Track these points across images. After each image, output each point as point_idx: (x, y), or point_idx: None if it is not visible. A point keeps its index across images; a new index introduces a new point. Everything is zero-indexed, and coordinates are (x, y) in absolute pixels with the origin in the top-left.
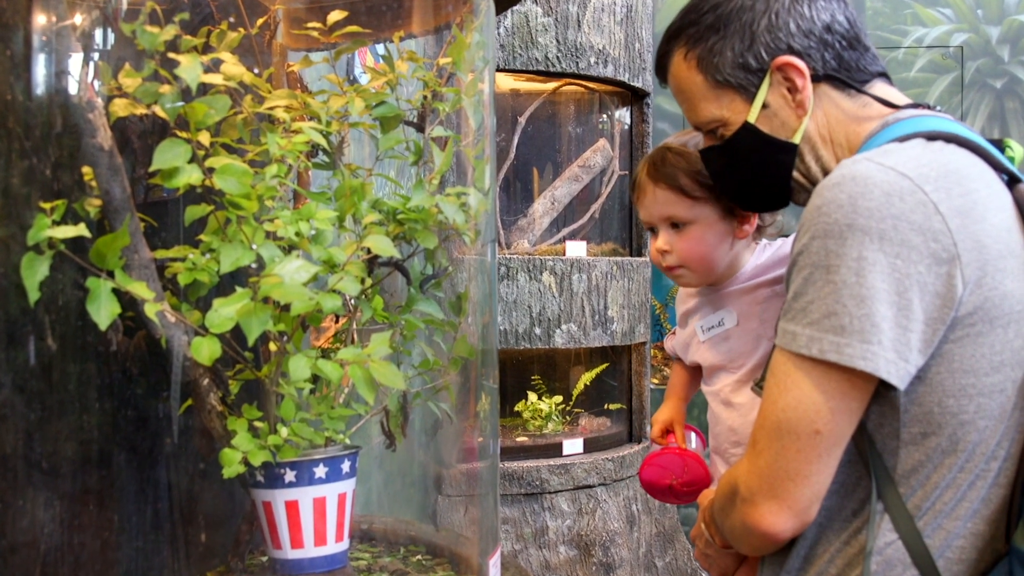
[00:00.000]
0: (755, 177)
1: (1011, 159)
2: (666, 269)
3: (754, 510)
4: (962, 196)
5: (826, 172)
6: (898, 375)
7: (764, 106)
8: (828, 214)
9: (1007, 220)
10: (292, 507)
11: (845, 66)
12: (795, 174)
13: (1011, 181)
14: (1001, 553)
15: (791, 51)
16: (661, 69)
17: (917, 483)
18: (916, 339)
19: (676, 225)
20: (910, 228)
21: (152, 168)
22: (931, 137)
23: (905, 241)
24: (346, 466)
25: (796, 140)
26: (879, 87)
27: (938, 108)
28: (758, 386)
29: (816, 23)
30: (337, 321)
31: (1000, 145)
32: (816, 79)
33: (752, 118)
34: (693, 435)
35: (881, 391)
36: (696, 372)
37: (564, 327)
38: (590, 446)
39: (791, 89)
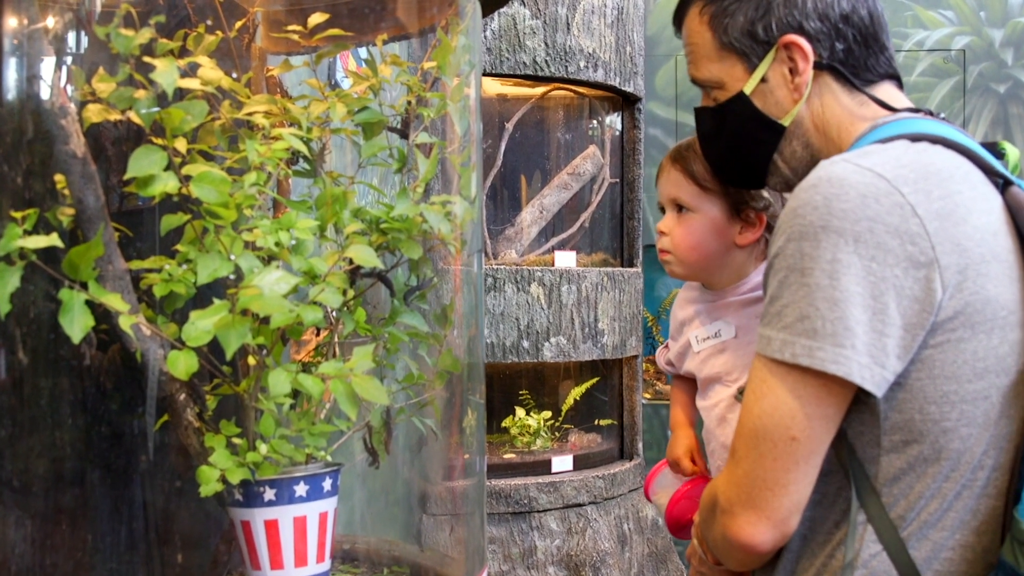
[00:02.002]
0: (736, 149)
1: (1006, 162)
2: (660, 251)
3: (733, 521)
4: (942, 198)
5: (813, 162)
6: (873, 380)
7: (763, 80)
8: (803, 216)
9: (993, 224)
10: (272, 526)
11: (852, 61)
12: (777, 157)
13: (1005, 184)
14: (994, 566)
15: (802, 31)
16: (678, 17)
17: (900, 492)
18: (893, 344)
19: (681, 210)
20: (886, 231)
21: (127, 176)
22: (915, 139)
23: (881, 244)
24: (327, 484)
25: (785, 122)
26: (884, 89)
27: (941, 115)
28: (741, 394)
29: (835, 9)
30: (318, 334)
31: (996, 148)
32: (819, 67)
33: (748, 89)
34: None
35: (860, 397)
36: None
37: (553, 340)
38: (580, 463)
39: (792, 70)
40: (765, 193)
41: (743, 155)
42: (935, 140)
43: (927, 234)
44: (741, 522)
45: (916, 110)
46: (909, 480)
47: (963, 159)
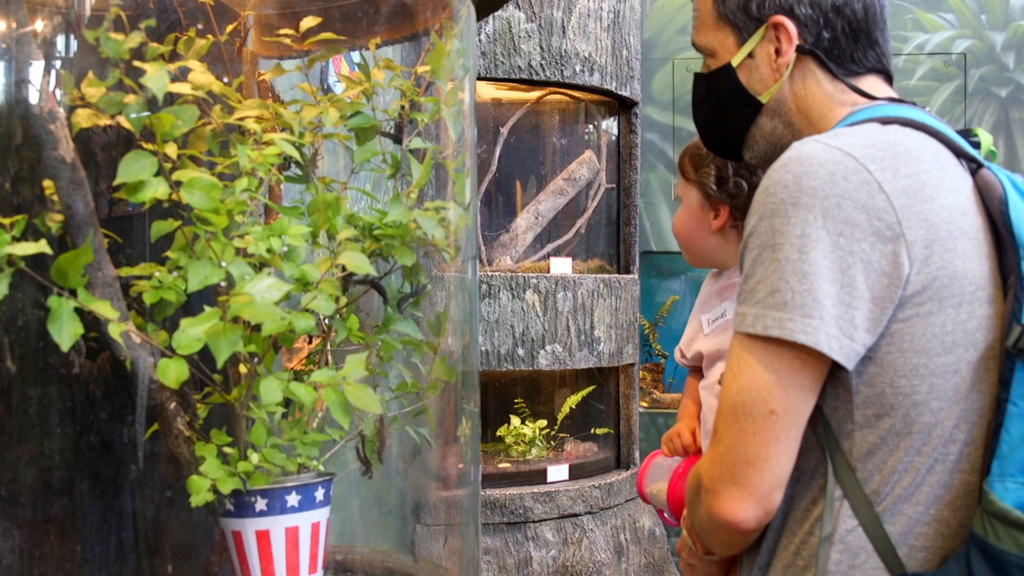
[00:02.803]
0: (717, 117)
1: (979, 147)
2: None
3: (716, 499)
4: (909, 176)
5: (796, 140)
6: (841, 351)
7: (750, 55)
8: (775, 194)
9: (962, 203)
10: (263, 537)
11: (837, 51)
12: (755, 131)
13: (977, 168)
14: None
15: (791, 14)
16: None
17: (874, 467)
18: (862, 317)
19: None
20: (854, 206)
21: (116, 181)
22: (886, 121)
23: (848, 219)
24: (320, 494)
25: (763, 99)
26: (868, 81)
27: (927, 109)
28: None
29: None
30: (310, 342)
31: (969, 134)
32: (802, 51)
33: (735, 62)
34: None
35: (835, 373)
36: None
37: (548, 348)
38: (576, 472)
39: (778, 51)
40: (739, 179)
41: (722, 124)
42: (906, 123)
43: (893, 210)
44: (724, 499)
45: (898, 100)
46: (882, 455)
47: (934, 141)
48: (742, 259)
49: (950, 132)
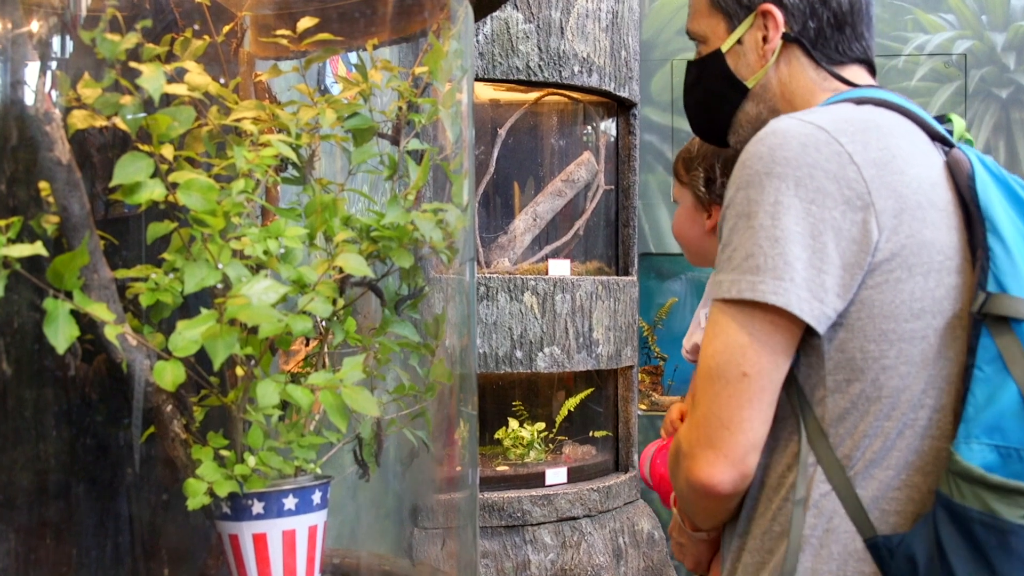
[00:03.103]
0: (705, 102)
1: (952, 131)
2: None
3: (693, 463)
4: (880, 149)
5: None
6: (812, 314)
7: (739, 42)
8: (750, 166)
9: (932, 176)
10: (260, 540)
11: (822, 40)
12: (741, 116)
13: (949, 149)
14: None
15: (779, 3)
16: None
17: (845, 432)
18: (832, 282)
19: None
20: (825, 176)
21: (112, 183)
22: (860, 101)
23: (820, 188)
24: (317, 497)
25: (750, 84)
26: (851, 70)
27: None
28: None
29: None
30: (307, 344)
31: (943, 120)
32: (788, 38)
33: (724, 47)
34: None
35: (807, 340)
36: None
37: (547, 350)
38: (574, 476)
39: (765, 38)
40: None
41: (710, 109)
42: (879, 103)
43: (864, 180)
44: (700, 463)
45: (878, 88)
46: (853, 419)
47: (906, 120)
48: (720, 230)
49: (923, 114)
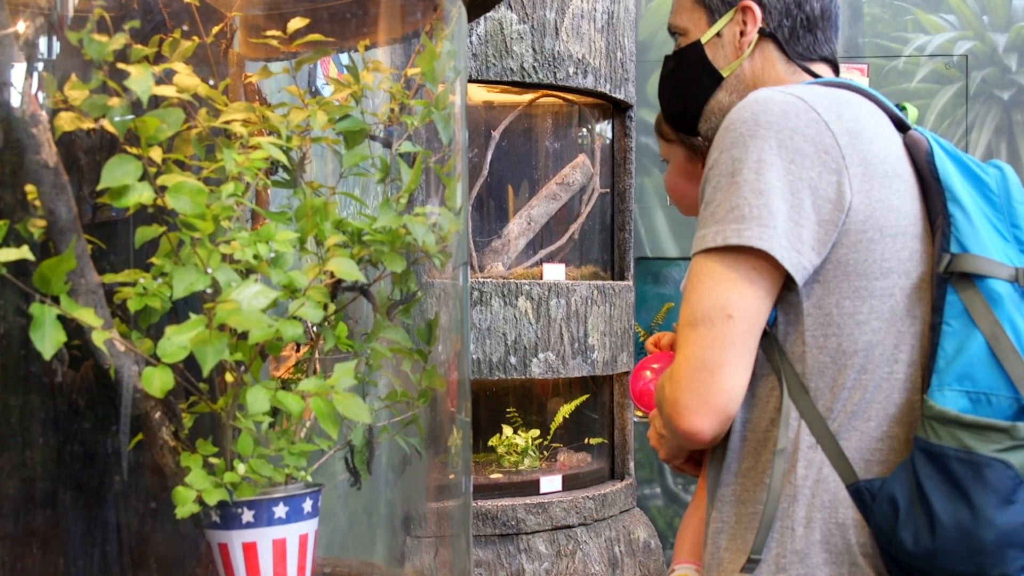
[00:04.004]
0: (680, 90)
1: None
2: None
3: (675, 409)
4: (851, 121)
5: None
6: (791, 262)
7: (718, 35)
8: (735, 129)
9: (896, 151)
10: (250, 549)
11: (794, 39)
12: (714, 103)
13: (905, 131)
14: None
15: (759, 2)
16: None
17: (825, 385)
18: (808, 235)
19: (666, 163)
20: (804, 140)
21: (100, 186)
22: (827, 84)
23: (799, 150)
24: (308, 505)
25: (725, 73)
26: (819, 67)
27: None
28: None
29: None
30: (298, 350)
31: (898, 107)
32: (763, 33)
33: (704, 39)
34: None
35: (786, 296)
36: None
37: (541, 356)
38: (569, 483)
39: (742, 32)
40: None
41: (684, 97)
42: (844, 86)
43: (838, 146)
44: (681, 408)
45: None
46: (832, 373)
47: (870, 102)
48: (703, 192)
49: (885, 100)
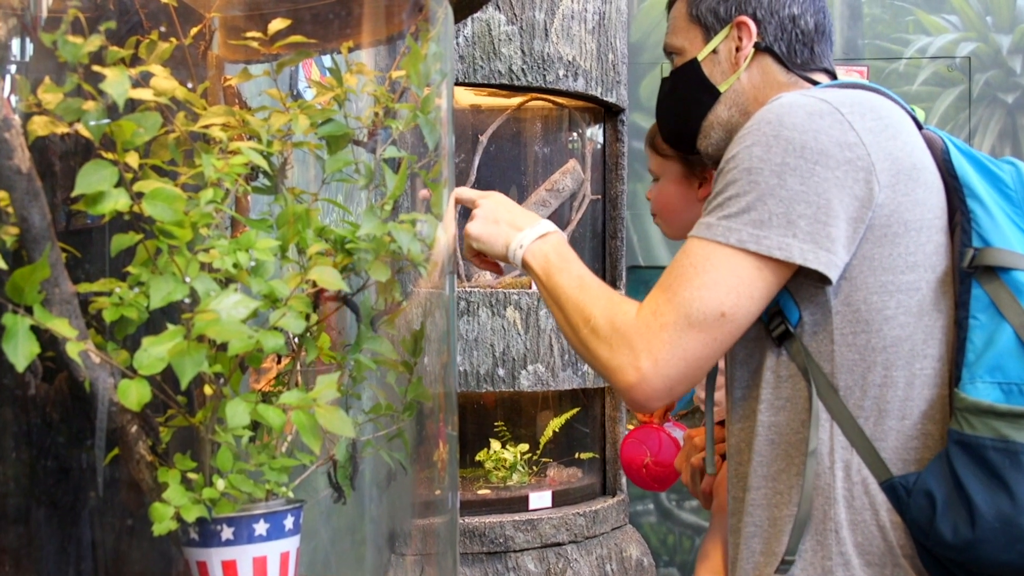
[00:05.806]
0: (678, 108)
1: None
2: (652, 216)
3: (638, 384)
4: (875, 119)
5: None
6: (820, 262)
7: (715, 51)
8: (758, 129)
9: (920, 144)
10: (230, 567)
11: (791, 53)
12: (711, 117)
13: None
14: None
15: (754, 17)
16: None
17: (854, 383)
18: (839, 233)
19: (657, 180)
20: (829, 140)
21: (75, 193)
22: (843, 86)
23: (824, 151)
24: (289, 522)
25: (722, 88)
26: (817, 77)
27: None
28: None
29: (785, 9)
30: (279, 362)
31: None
32: (759, 48)
33: (701, 56)
34: (679, 430)
35: (812, 295)
36: None
37: (530, 368)
38: (559, 499)
39: (738, 48)
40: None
41: (682, 114)
42: (860, 87)
43: (864, 144)
44: (645, 386)
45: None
46: (861, 370)
47: (889, 100)
48: (716, 180)
49: (899, 99)
